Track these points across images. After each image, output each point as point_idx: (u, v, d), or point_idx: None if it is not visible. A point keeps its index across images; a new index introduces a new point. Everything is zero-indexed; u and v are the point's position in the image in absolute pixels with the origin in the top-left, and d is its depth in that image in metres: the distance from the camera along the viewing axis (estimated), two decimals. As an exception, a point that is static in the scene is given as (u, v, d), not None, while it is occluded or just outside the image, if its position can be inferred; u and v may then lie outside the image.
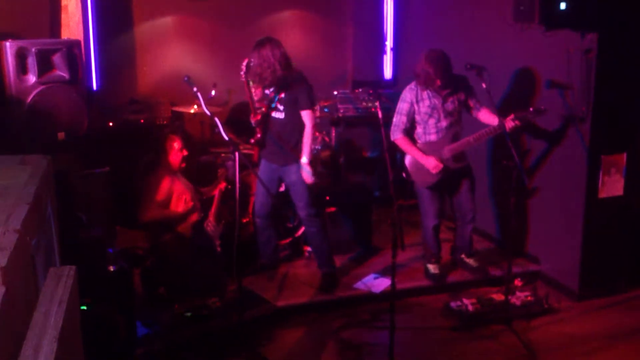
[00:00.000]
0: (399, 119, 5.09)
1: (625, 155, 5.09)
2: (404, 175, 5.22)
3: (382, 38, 7.57)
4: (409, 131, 5.11)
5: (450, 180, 5.19)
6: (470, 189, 5.28)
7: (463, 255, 5.50)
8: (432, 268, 5.37)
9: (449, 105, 5.06)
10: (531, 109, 4.87)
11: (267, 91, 5.03)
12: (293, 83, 4.91)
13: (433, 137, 5.09)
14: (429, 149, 5.07)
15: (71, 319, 1.23)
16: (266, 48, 4.84)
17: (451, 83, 4.99)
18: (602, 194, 5.08)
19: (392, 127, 5.12)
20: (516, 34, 5.34)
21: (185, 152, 5.17)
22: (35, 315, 1.11)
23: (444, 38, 6.25)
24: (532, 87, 5.43)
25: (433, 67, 4.87)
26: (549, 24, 4.87)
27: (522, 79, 5.55)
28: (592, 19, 4.72)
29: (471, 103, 5.13)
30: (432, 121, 5.05)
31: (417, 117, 5.09)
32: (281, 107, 4.96)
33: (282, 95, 4.85)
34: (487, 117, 5.08)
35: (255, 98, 5.13)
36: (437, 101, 5.03)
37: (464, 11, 6.27)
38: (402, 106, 5.09)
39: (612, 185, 5.11)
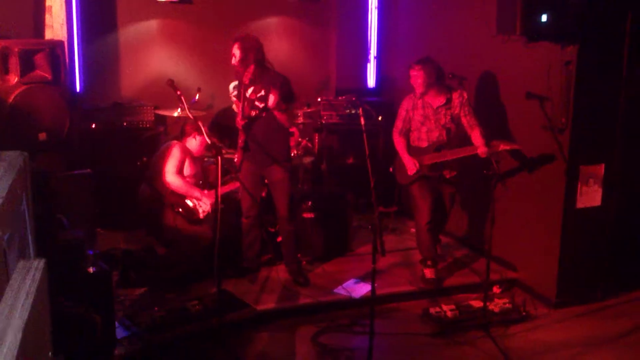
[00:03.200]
0: (395, 122, 5.46)
1: (603, 166, 5.16)
2: (391, 169, 5.59)
3: (366, 46, 7.61)
4: (406, 133, 5.42)
5: (435, 186, 5.40)
6: (450, 198, 5.49)
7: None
8: (427, 272, 5.42)
9: (441, 118, 5.27)
10: (502, 146, 5.06)
11: (247, 94, 5.06)
12: (269, 81, 4.94)
13: (423, 144, 5.36)
14: (415, 153, 5.35)
15: (39, 311, 1.24)
16: (238, 48, 4.96)
17: (442, 97, 5.24)
18: (580, 204, 5.15)
19: (394, 127, 5.48)
20: (498, 45, 5.41)
21: (203, 143, 5.43)
22: (1, 306, 1.11)
23: (427, 48, 6.30)
24: (513, 98, 5.50)
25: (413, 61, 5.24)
26: (530, 35, 4.95)
27: (503, 89, 5.62)
28: (572, 31, 4.80)
29: (464, 120, 5.25)
30: (424, 129, 5.34)
31: (412, 124, 5.37)
32: (261, 106, 4.96)
33: (262, 93, 4.84)
34: (475, 139, 5.18)
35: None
36: (429, 112, 5.28)
37: (448, 21, 6.34)
38: (400, 112, 5.44)
39: (590, 196, 5.18)
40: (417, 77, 5.19)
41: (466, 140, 5.29)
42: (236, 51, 4.99)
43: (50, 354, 1.48)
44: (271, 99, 4.77)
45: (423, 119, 5.31)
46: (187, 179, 5.34)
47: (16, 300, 1.18)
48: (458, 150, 5.24)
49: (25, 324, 1.11)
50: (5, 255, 1.26)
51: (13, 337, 1.06)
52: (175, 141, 5.43)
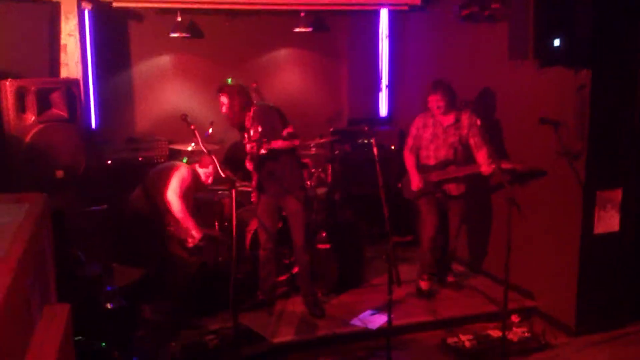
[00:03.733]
0: (407, 140, 5.70)
1: (620, 191, 5.12)
2: (399, 185, 5.80)
3: (377, 76, 7.67)
4: (416, 151, 5.64)
5: (443, 203, 5.62)
6: (458, 215, 5.67)
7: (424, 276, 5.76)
8: (422, 285, 5.62)
9: (450, 137, 5.46)
10: (503, 164, 5.08)
11: (246, 135, 5.11)
12: (261, 115, 4.98)
13: (431, 162, 5.58)
14: (423, 170, 5.57)
15: (65, 357, 1.24)
16: (225, 96, 5.06)
17: (451, 113, 5.42)
18: (598, 230, 5.09)
19: (405, 144, 5.73)
20: (510, 70, 5.45)
21: (212, 175, 5.50)
22: (29, 355, 1.12)
23: (439, 74, 6.31)
24: (527, 124, 5.50)
25: (431, 87, 5.44)
26: (543, 60, 4.97)
27: (516, 115, 5.63)
28: (585, 55, 4.77)
29: (471, 141, 5.45)
30: (432, 147, 5.56)
31: (422, 142, 5.59)
32: (255, 145, 4.99)
33: (260, 130, 4.89)
34: (480, 158, 5.40)
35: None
36: (439, 130, 5.50)
37: (459, 48, 6.38)
38: (411, 129, 5.67)
39: (608, 221, 5.13)
40: (440, 101, 5.39)
41: (472, 160, 5.49)
42: (224, 100, 5.07)
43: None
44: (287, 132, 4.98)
45: (432, 137, 5.52)
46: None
47: (42, 348, 1.18)
48: (463, 168, 5.47)
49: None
50: (28, 303, 1.27)
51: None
52: (184, 163, 5.47)
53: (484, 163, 5.27)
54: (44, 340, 1.21)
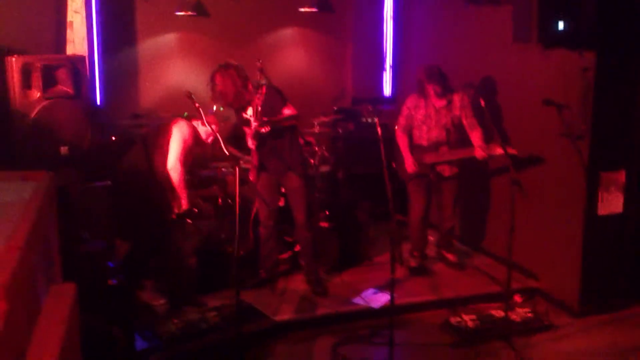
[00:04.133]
0: (398, 120, 5.71)
1: (624, 172, 5.12)
2: (393, 164, 5.73)
3: (381, 55, 7.63)
4: (409, 131, 5.65)
5: (435, 184, 5.71)
6: (451, 195, 5.75)
7: (443, 251, 5.94)
8: (411, 261, 5.75)
9: (442, 118, 5.49)
10: (498, 149, 5.16)
11: (244, 115, 5.10)
12: (260, 94, 4.95)
13: (424, 143, 5.62)
14: (416, 151, 5.62)
15: (71, 337, 1.26)
16: (222, 76, 4.99)
17: (445, 96, 5.45)
18: (602, 211, 5.10)
19: (397, 124, 5.73)
20: (514, 53, 5.42)
21: (211, 135, 5.17)
22: (36, 334, 1.13)
23: (443, 56, 6.31)
24: (531, 106, 5.48)
25: (426, 76, 5.45)
26: (547, 43, 4.94)
27: (520, 97, 5.60)
28: (590, 37, 4.76)
29: (465, 121, 5.50)
30: (424, 128, 5.58)
31: (414, 122, 5.61)
32: (257, 123, 4.97)
33: (259, 109, 4.88)
34: (475, 140, 5.45)
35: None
36: (431, 111, 5.53)
37: (463, 30, 6.34)
38: (402, 109, 5.69)
39: (612, 203, 5.13)
40: (437, 88, 5.44)
41: (466, 142, 5.52)
42: (223, 80, 5.00)
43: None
44: (287, 111, 4.93)
45: (424, 118, 5.56)
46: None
47: (49, 327, 1.19)
48: (457, 151, 5.54)
49: (60, 350, 1.12)
50: (34, 281, 1.28)
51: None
52: (184, 119, 5.22)
53: (478, 146, 5.32)
54: (50, 319, 1.22)
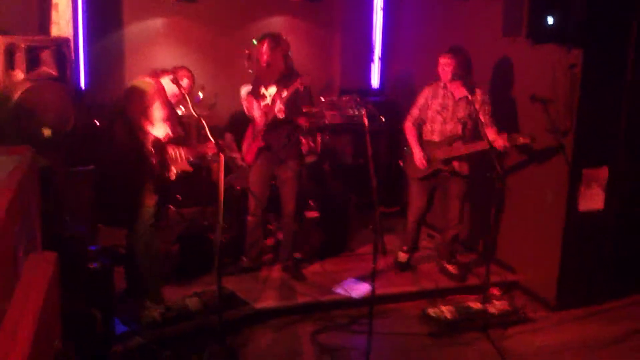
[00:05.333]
0: (411, 110, 5.42)
1: (606, 169, 5.17)
2: (400, 163, 5.53)
3: (370, 47, 7.64)
4: (419, 124, 5.40)
5: (442, 183, 5.40)
6: (458, 197, 5.41)
7: (444, 262, 5.64)
8: (400, 256, 5.67)
9: (460, 111, 5.23)
10: (521, 139, 4.96)
11: (263, 89, 5.10)
12: (295, 82, 4.97)
13: (436, 138, 5.32)
14: (427, 146, 5.33)
15: (51, 302, 1.26)
16: (272, 48, 5.02)
17: (466, 89, 5.07)
18: (582, 207, 5.15)
19: (408, 115, 5.44)
20: (503, 47, 5.44)
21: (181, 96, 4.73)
22: (15, 296, 1.14)
23: (432, 49, 6.31)
24: (517, 100, 5.52)
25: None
26: (536, 38, 4.97)
27: (508, 91, 5.64)
28: (578, 34, 4.79)
29: (482, 118, 5.08)
30: (439, 119, 5.28)
31: (428, 114, 5.33)
32: (283, 107, 5.01)
33: (284, 94, 4.91)
34: (490, 134, 5.05)
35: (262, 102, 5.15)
36: (449, 102, 5.25)
37: (453, 23, 6.36)
38: (418, 99, 5.40)
39: (593, 199, 5.18)
40: (448, 65, 5.15)
41: (477, 137, 5.20)
42: (270, 51, 5.04)
43: (57, 342, 1.51)
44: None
45: (441, 109, 5.27)
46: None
47: (29, 290, 1.20)
48: (472, 144, 5.16)
49: (39, 314, 1.13)
50: (14, 250, 1.28)
51: (27, 328, 1.08)
52: (148, 81, 4.73)
53: (496, 139, 4.92)
54: (30, 285, 1.22)
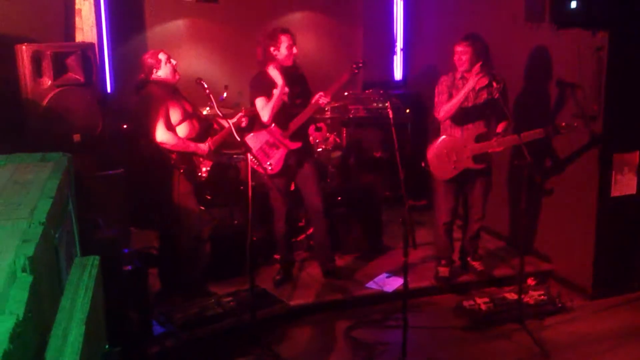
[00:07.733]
0: (441, 97, 4.99)
1: (638, 153, 5.09)
2: (423, 164, 5.12)
3: (392, 39, 7.59)
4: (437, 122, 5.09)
5: (466, 179, 5.16)
6: (483, 190, 5.25)
7: (469, 258, 5.51)
8: (441, 271, 5.35)
9: (481, 102, 4.95)
10: (550, 128, 4.77)
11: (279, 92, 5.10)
12: (302, 77, 5.02)
13: (457, 133, 5.02)
14: (452, 145, 5.00)
15: (96, 305, 1.27)
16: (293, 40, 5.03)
17: (485, 78, 4.86)
18: (615, 193, 5.08)
19: (436, 106, 5.02)
20: (527, 33, 5.37)
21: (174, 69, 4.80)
22: (63, 301, 1.14)
23: (454, 38, 6.24)
24: (543, 86, 5.44)
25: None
26: (559, 22, 4.90)
27: (533, 77, 5.56)
28: (603, 17, 4.72)
29: (504, 109, 4.84)
30: (460, 113, 4.92)
31: None
32: (298, 102, 5.01)
33: (298, 91, 4.92)
34: (499, 128, 5.06)
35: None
36: (470, 93, 4.92)
37: (475, 11, 6.28)
38: (441, 89, 5.00)
39: (625, 184, 5.11)
40: (465, 53, 4.87)
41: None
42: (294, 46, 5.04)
43: (107, 346, 1.52)
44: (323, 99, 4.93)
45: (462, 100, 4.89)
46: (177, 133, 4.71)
47: (76, 295, 1.20)
48: (503, 140, 4.91)
49: (87, 317, 1.13)
50: (57, 253, 1.29)
51: (77, 330, 1.09)
52: (150, 94, 4.72)
53: (540, 130, 4.70)
54: (77, 287, 1.23)
